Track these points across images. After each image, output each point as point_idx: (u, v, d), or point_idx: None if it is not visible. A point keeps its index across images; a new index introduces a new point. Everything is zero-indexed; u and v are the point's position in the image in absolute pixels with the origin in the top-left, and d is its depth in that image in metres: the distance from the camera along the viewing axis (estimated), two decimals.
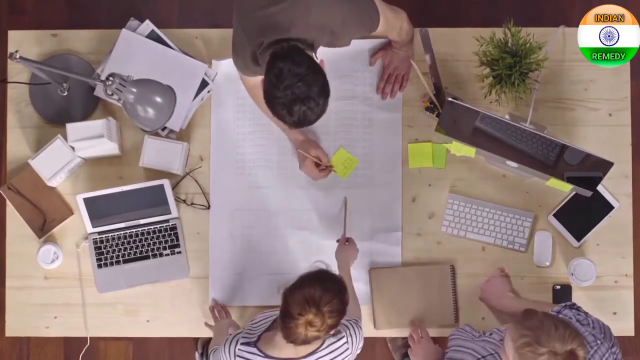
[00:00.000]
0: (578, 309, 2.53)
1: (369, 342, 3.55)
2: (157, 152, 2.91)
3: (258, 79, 2.64)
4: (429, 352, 2.83)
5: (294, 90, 2.39)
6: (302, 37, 2.49)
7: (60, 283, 2.96)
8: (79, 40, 3.02)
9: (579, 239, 2.93)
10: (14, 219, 2.97)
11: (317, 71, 2.43)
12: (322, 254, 2.94)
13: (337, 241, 2.89)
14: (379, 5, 2.61)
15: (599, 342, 2.43)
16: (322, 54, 2.72)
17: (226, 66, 2.96)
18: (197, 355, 3.31)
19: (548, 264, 2.92)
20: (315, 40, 2.53)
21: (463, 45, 2.97)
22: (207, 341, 3.31)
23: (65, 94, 2.96)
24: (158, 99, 2.59)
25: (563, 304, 2.54)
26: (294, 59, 2.41)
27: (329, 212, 2.95)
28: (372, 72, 2.98)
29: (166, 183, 2.91)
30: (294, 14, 2.47)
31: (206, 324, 2.92)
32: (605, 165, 2.63)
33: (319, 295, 2.33)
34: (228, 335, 2.57)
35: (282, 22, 2.47)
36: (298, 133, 2.92)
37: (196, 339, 3.36)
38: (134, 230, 2.95)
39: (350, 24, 2.58)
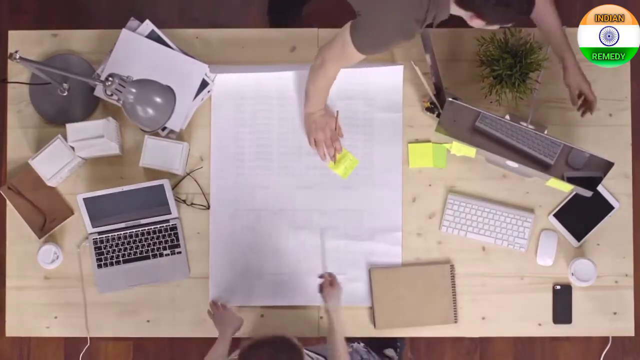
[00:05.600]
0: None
1: None
2: (157, 152, 2.91)
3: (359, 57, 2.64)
4: None
5: None
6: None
7: (60, 283, 2.96)
8: (79, 40, 3.02)
9: (579, 239, 2.94)
10: (14, 219, 2.97)
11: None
12: (322, 253, 2.94)
13: (320, 285, 2.78)
14: None
15: None
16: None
17: (224, 69, 2.97)
18: None
19: (551, 263, 2.92)
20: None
21: (463, 45, 2.97)
22: None
23: (65, 94, 2.96)
24: (158, 99, 2.59)
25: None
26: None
27: (329, 212, 2.96)
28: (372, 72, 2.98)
29: (166, 183, 2.91)
30: None
31: (208, 312, 2.89)
32: (605, 166, 2.63)
33: None
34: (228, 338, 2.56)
35: None
36: (321, 103, 2.89)
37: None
38: (134, 230, 2.95)
39: None
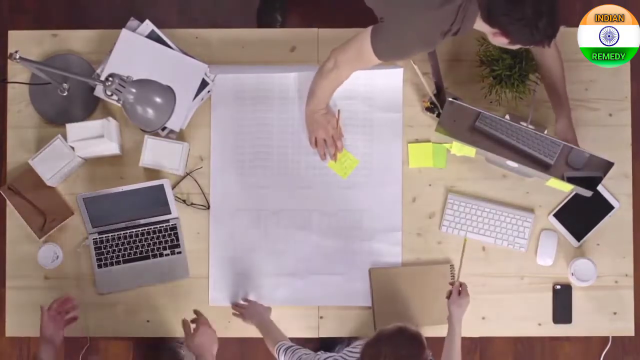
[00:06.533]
0: None
1: None
2: (157, 152, 2.91)
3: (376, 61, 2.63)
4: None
5: None
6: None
7: (61, 283, 2.96)
8: (79, 40, 3.02)
9: (579, 239, 2.93)
10: (14, 219, 2.97)
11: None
12: (322, 253, 2.94)
13: (449, 291, 2.76)
14: None
15: None
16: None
17: (225, 69, 2.97)
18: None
19: (551, 263, 2.92)
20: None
21: (463, 45, 2.97)
22: None
23: (65, 94, 2.96)
24: (157, 99, 2.59)
25: None
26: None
27: (329, 212, 2.95)
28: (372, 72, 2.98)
29: (166, 183, 2.91)
30: None
31: (234, 315, 2.89)
32: (605, 165, 2.63)
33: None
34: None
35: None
36: (325, 103, 2.89)
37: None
38: (134, 231, 2.95)
39: None
